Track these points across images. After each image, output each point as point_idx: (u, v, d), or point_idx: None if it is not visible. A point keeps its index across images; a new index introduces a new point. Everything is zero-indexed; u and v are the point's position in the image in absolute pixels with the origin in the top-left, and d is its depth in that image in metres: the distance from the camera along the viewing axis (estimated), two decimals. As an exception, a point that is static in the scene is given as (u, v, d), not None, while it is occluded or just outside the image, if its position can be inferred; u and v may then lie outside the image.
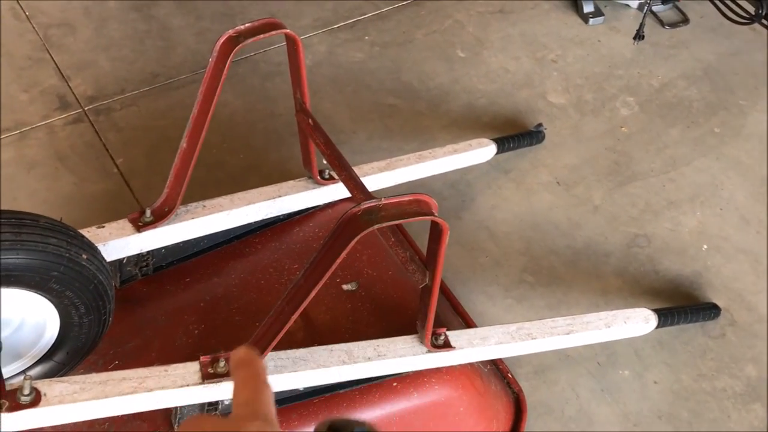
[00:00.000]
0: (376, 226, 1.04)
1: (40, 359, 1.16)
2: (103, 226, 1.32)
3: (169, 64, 2.19)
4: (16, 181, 1.90)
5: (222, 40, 1.28)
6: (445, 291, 1.68)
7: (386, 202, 1.06)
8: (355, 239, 1.04)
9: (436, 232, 1.13)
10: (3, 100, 2.07)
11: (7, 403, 1.01)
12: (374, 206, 1.06)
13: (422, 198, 1.08)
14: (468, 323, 1.65)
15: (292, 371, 1.20)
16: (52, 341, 1.14)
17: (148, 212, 1.35)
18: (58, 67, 2.17)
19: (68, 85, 2.13)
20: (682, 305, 1.70)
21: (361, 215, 1.05)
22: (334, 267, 1.07)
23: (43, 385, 1.06)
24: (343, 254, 1.05)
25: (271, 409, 0.54)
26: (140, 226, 1.34)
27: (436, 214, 1.09)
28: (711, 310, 1.71)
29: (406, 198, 1.07)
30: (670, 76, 2.22)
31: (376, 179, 1.62)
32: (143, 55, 2.22)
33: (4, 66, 2.16)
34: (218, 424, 0.53)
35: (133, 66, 2.18)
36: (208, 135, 1.39)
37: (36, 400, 1.03)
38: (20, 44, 2.22)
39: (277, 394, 1.26)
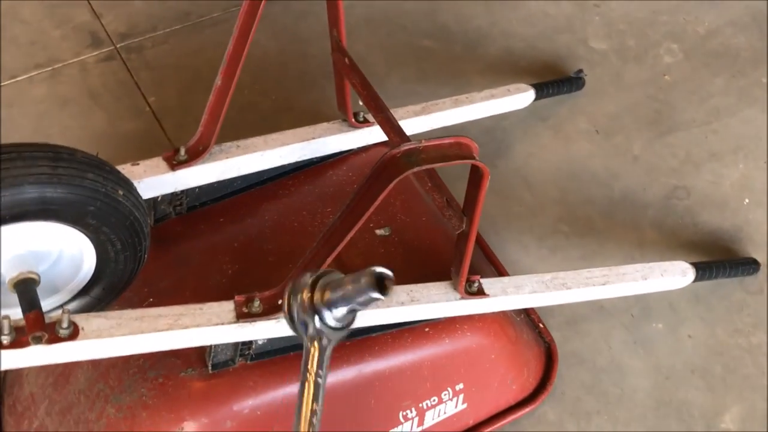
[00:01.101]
0: (416, 169, 1.02)
1: (76, 294, 1.16)
2: (138, 164, 1.31)
3: (200, 2, 2.15)
4: (50, 117, 1.90)
5: (259, -28, 1.24)
6: (478, 239, 1.66)
7: (426, 144, 1.03)
8: (394, 182, 1.02)
9: (476, 176, 1.10)
10: (36, 37, 2.06)
11: (46, 335, 1.01)
12: (414, 148, 1.03)
13: (463, 141, 1.05)
14: (501, 272, 1.63)
15: (325, 313, 1.20)
16: (89, 276, 1.14)
17: (182, 151, 1.33)
18: (90, 3, 2.14)
19: (100, 22, 2.10)
20: (721, 259, 1.67)
21: (401, 157, 1.03)
22: (371, 209, 1.05)
23: (81, 320, 1.06)
24: (381, 197, 1.03)
25: None
26: (174, 164, 1.32)
27: (478, 158, 1.06)
28: (750, 265, 1.67)
29: (447, 141, 1.04)
30: (717, 23, 2.13)
31: (410, 123, 1.59)
32: (175, -8, 2.18)
33: (36, 2, 2.13)
34: None
35: (165, 3, 2.15)
36: (239, 76, 1.36)
37: (74, 333, 1.04)
38: (52, -21, 2.19)
39: (309, 335, 1.25)
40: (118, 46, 2.05)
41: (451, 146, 1.04)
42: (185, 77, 1.99)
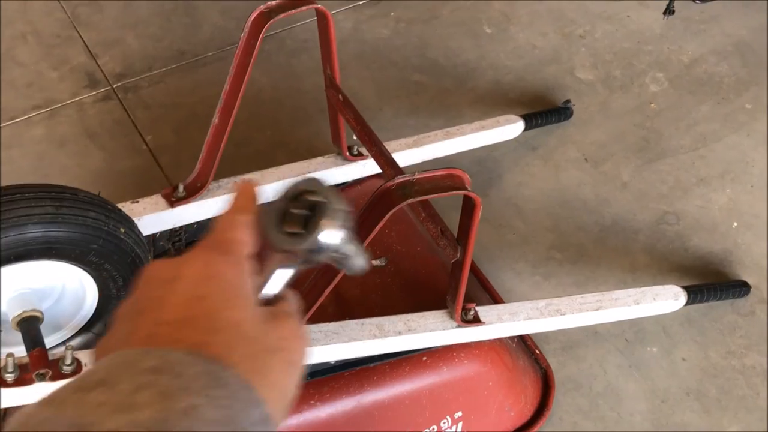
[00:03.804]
0: (410, 201, 1.05)
1: (79, 330, 1.18)
2: (137, 201, 1.33)
3: (195, 42, 2.20)
4: (48, 157, 1.93)
5: (254, 15, 1.28)
6: (473, 267, 1.69)
7: (420, 176, 1.06)
8: (389, 213, 1.05)
9: (469, 206, 1.13)
10: (33, 79, 2.10)
11: (50, 373, 1.03)
12: (408, 181, 1.06)
13: (456, 173, 1.08)
14: (496, 299, 1.66)
15: (324, 344, 1.22)
16: (91, 313, 1.16)
17: (181, 187, 1.36)
18: (86, 44, 2.18)
19: (97, 62, 2.14)
20: (712, 282, 1.70)
21: (395, 189, 1.06)
22: (367, 241, 1.07)
23: (83, 356, 1.08)
24: (377, 228, 1.06)
25: (239, 234, 0.51)
26: (173, 201, 1.35)
27: (470, 189, 1.09)
28: (741, 288, 1.70)
29: (440, 172, 1.08)
30: (700, 52, 2.19)
31: (403, 156, 1.62)
32: (170, 32, 2.22)
33: (33, 44, 2.18)
34: (174, 261, 0.51)
35: (160, 43, 2.20)
36: (236, 113, 1.39)
37: (77, 370, 1.05)
38: (48, 22, 2.24)
39: (308, 366, 1.27)
40: (114, 86, 2.09)
41: (443, 178, 1.07)
42: (181, 115, 2.03)
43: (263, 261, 0.53)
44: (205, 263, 0.49)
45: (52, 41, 2.19)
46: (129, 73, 2.12)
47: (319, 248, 0.51)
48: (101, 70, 2.12)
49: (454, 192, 1.07)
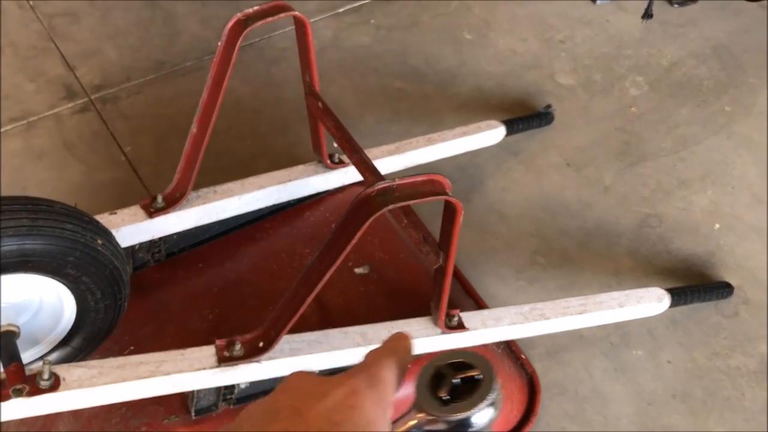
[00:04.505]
0: (390, 207, 1.04)
1: (57, 345, 1.16)
2: (116, 213, 1.32)
3: (174, 52, 2.19)
4: (25, 170, 1.90)
5: (231, 23, 1.27)
6: (456, 273, 1.68)
7: (400, 182, 1.06)
8: (370, 220, 1.04)
9: (450, 212, 1.12)
10: (9, 91, 2.07)
11: (27, 388, 1.01)
12: (388, 187, 1.05)
13: (436, 178, 1.08)
14: (480, 305, 1.65)
15: (307, 353, 1.20)
16: (69, 327, 1.14)
17: (159, 198, 1.35)
18: (63, 56, 2.16)
19: (74, 74, 2.12)
20: (695, 284, 1.70)
21: (375, 196, 1.05)
22: (348, 248, 1.06)
23: (61, 370, 1.06)
24: (358, 235, 1.05)
25: (388, 375, 0.53)
26: (152, 212, 1.34)
27: (450, 194, 1.08)
28: (724, 289, 1.70)
29: (420, 178, 1.07)
30: (679, 55, 2.20)
31: (385, 163, 1.61)
32: (148, 42, 2.21)
33: (10, 56, 2.15)
34: (321, 379, 0.52)
35: (139, 54, 2.18)
36: (215, 122, 1.38)
37: (55, 384, 1.04)
38: (25, 34, 2.21)
39: (292, 377, 1.26)
40: (92, 97, 2.07)
41: (424, 183, 1.07)
42: (160, 126, 2.01)
43: (400, 412, 0.54)
44: (351, 391, 0.50)
45: (29, 53, 2.16)
46: (107, 84, 2.10)
47: (466, 424, 0.53)
48: (79, 81, 2.10)
49: (434, 198, 1.06)
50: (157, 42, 2.21)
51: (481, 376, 0.53)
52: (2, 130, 1.99)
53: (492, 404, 0.53)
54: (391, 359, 0.54)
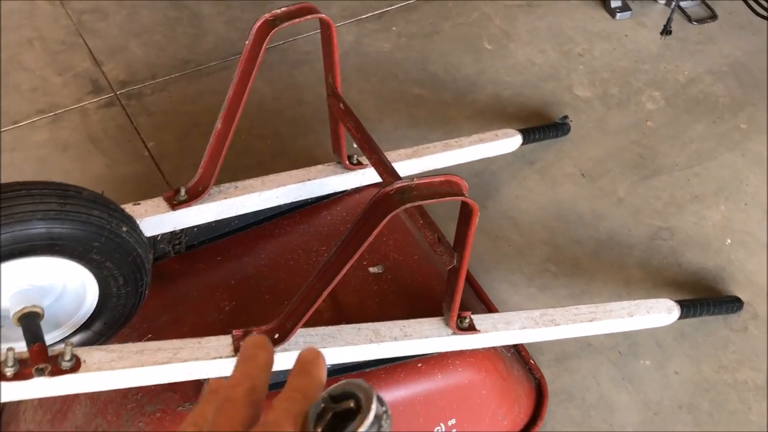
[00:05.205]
0: (408, 205, 1.07)
1: (78, 329, 1.19)
2: (139, 203, 1.35)
3: (199, 51, 2.23)
4: (51, 161, 1.95)
5: (258, 23, 1.31)
6: (469, 278, 1.70)
7: (418, 182, 1.08)
8: (388, 217, 1.07)
9: (466, 213, 1.15)
10: (38, 84, 2.12)
11: (49, 367, 1.04)
12: (407, 186, 1.08)
13: (453, 179, 1.10)
14: (491, 310, 1.67)
15: (321, 347, 1.23)
16: (91, 311, 1.17)
17: (182, 191, 1.38)
18: (91, 51, 2.21)
19: (101, 69, 2.17)
20: (705, 297, 1.71)
21: (393, 194, 1.08)
22: (365, 245, 1.09)
23: (82, 353, 1.09)
24: (376, 232, 1.07)
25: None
26: (175, 204, 1.37)
27: (467, 196, 1.11)
28: (734, 303, 1.72)
29: (438, 178, 1.10)
30: (696, 72, 2.22)
31: (402, 166, 1.64)
32: (174, 41, 2.25)
33: (39, 50, 2.20)
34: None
35: (164, 52, 2.22)
36: (239, 119, 1.41)
37: (76, 366, 1.07)
38: (54, 29, 2.26)
39: (305, 370, 1.28)
40: (118, 92, 2.11)
41: (441, 184, 1.09)
42: (183, 123, 2.05)
43: None
44: None
45: (58, 47, 2.21)
46: (133, 80, 2.14)
47: None
48: (105, 76, 2.15)
49: (451, 198, 1.09)
50: (182, 41, 2.25)
51: (359, 407, 0.51)
52: (29, 121, 2.04)
53: (371, 429, 0.50)
54: (291, 407, 0.51)
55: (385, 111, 2.11)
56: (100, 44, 2.23)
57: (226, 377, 0.53)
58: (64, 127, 2.03)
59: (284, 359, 1.21)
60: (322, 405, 0.51)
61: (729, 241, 1.86)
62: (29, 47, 2.21)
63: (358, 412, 0.51)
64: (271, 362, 0.54)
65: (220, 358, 1.16)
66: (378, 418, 0.51)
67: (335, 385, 0.53)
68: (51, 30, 2.26)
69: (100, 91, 2.11)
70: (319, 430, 0.51)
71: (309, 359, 0.54)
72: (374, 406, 0.51)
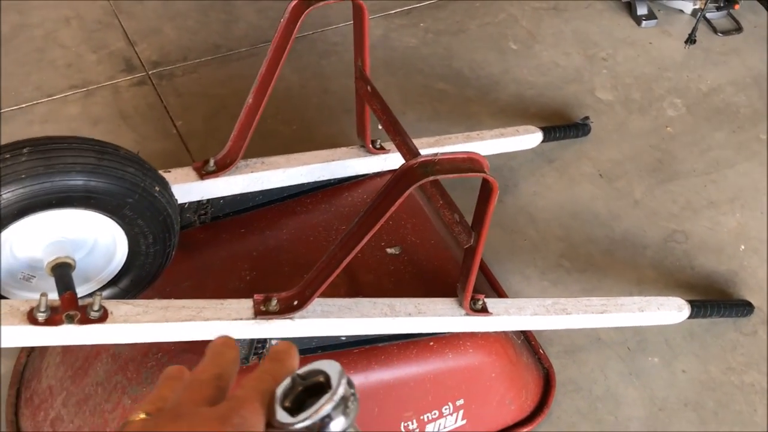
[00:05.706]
0: (430, 178, 1.10)
1: (105, 284, 1.23)
2: (170, 171, 1.39)
3: (230, 37, 2.28)
4: (81, 134, 1.99)
5: (294, 2, 1.35)
6: (483, 268, 1.74)
7: (441, 157, 1.12)
8: (410, 189, 1.10)
9: (486, 191, 1.18)
10: (73, 60, 2.18)
11: (78, 315, 1.08)
12: (430, 160, 1.12)
13: (475, 156, 1.14)
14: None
15: (337, 317, 1.26)
16: (119, 267, 1.22)
17: (211, 162, 1.42)
18: (125, 32, 2.27)
19: (134, 49, 2.23)
20: (716, 299, 1.73)
21: (417, 168, 1.11)
22: (387, 215, 1.13)
23: (110, 305, 1.13)
24: (398, 203, 1.11)
25: (250, 416, 0.50)
26: (203, 174, 1.41)
27: (488, 173, 1.14)
28: (744, 307, 1.74)
29: (460, 155, 1.13)
30: (719, 82, 2.25)
31: (424, 153, 1.67)
32: (206, 26, 2.31)
33: (76, 28, 2.26)
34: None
35: (197, 36, 2.28)
36: (269, 95, 1.46)
37: (104, 316, 1.11)
38: (92, 9, 2.33)
39: (319, 340, 1.32)
40: (150, 72, 2.17)
41: (463, 160, 1.13)
42: (211, 105, 2.10)
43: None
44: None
45: (94, 26, 2.28)
46: (164, 61, 2.20)
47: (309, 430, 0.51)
48: (138, 56, 2.21)
49: (473, 174, 1.12)
50: (214, 26, 2.31)
51: (328, 383, 0.51)
52: (62, 95, 2.09)
53: (338, 407, 0.51)
54: (259, 386, 0.52)
55: (409, 104, 2.15)
56: (135, 25, 2.29)
57: (184, 366, 0.56)
58: (96, 103, 2.08)
59: (303, 326, 1.25)
60: (291, 382, 0.52)
61: (743, 247, 1.88)
62: (66, 25, 2.27)
63: (328, 388, 0.51)
64: (237, 360, 0.56)
65: (241, 319, 1.20)
66: (345, 398, 0.51)
67: (306, 366, 0.53)
68: (88, 10, 2.32)
69: (133, 70, 2.17)
70: (287, 404, 0.51)
71: (282, 349, 0.56)
72: (343, 384, 0.51)
